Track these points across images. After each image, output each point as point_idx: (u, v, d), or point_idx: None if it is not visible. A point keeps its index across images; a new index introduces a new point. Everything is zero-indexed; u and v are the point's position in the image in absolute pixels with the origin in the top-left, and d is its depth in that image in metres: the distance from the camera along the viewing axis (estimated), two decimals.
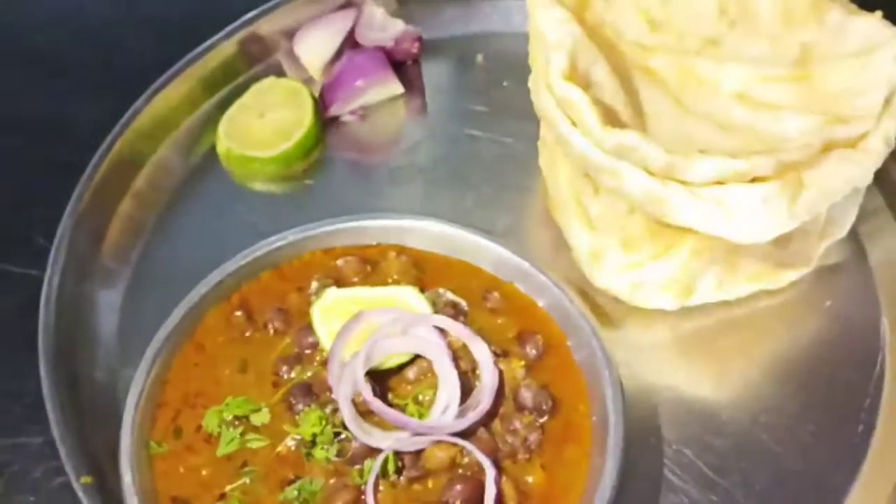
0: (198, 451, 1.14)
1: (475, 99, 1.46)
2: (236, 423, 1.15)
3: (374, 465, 1.09)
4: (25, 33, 1.61)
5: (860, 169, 1.17)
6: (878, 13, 1.23)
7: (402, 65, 1.47)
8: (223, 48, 1.45)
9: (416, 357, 1.17)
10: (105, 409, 1.21)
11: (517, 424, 1.14)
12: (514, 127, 1.37)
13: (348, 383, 1.12)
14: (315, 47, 1.45)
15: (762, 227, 1.13)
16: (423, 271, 1.26)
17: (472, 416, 1.12)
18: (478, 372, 1.16)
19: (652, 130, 1.23)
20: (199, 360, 1.20)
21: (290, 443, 1.14)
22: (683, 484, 1.17)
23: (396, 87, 1.45)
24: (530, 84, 1.27)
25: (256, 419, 1.15)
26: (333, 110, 1.42)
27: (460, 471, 1.11)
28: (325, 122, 1.43)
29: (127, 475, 1.11)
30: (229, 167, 1.41)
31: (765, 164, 1.12)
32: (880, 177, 1.22)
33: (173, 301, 1.23)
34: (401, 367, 1.17)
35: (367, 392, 1.11)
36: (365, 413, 1.12)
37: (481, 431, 1.13)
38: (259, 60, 1.48)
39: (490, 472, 1.08)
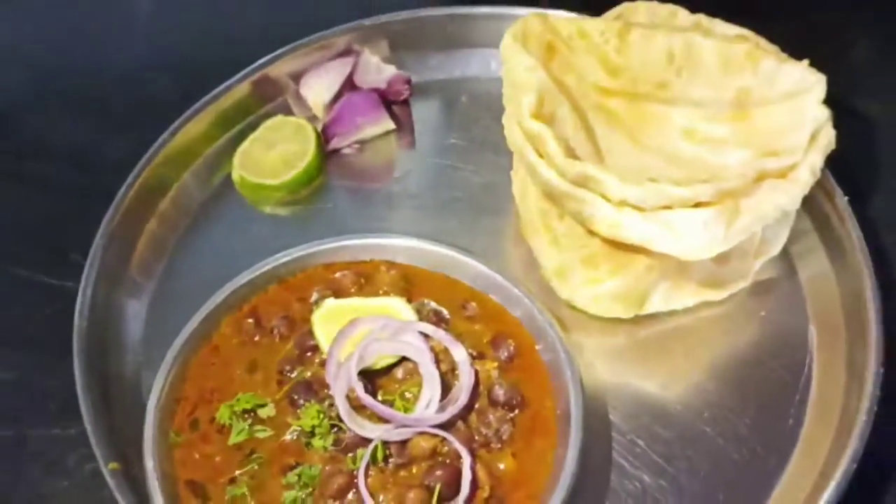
0: (212, 441, 1.14)
1: (457, 135, 1.45)
2: (246, 416, 1.14)
3: (365, 453, 1.09)
4: (66, 76, 1.59)
5: (789, 196, 1.16)
6: (806, 61, 1.21)
7: (393, 104, 1.46)
8: (237, 89, 1.43)
9: (403, 359, 1.16)
10: (130, 403, 1.19)
11: (491, 418, 1.13)
12: (491, 159, 1.36)
13: (343, 381, 1.12)
14: (318, 89, 1.44)
15: (704, 246, 1.13)
16: (411, 284, 1.24)
17: (451, 411, 1.11)
18: (457, 372, 1.15)
19: (609, 162, 1.22)
20: (214, 361, 1.19)
21: (292, 433, 1.13)
22: (636, 470, 1.15)
23: (389, 124, 1.43)
24: (504, 121, 1.26)
25: (263, 413, 1.14)
26: (334, 144, 1.41)
27: (441, 458, 1.10)
28: (327, 154, 1.41)
29: (149, 462, 1.10)
30: (242, 193, 1.39)
31: (706, 192, 1.12)
32: (808, 203, 1.22)
33: (192, 309, 1.22)
34: (390, 368, 1.16)
35: (359, 389, 1.11)
36: (358, 408, 1.11)
37: (459, 424, 1.12)
38: (269, 100, 1.46)
39: (466, 460, 1.07)
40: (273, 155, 1.40)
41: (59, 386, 1.20)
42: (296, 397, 1.14)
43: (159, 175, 1.37)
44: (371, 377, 1.15)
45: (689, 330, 1.26)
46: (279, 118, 1.43)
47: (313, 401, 1.14)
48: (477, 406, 1.14)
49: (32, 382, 1.26)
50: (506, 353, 1.18)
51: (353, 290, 1.24)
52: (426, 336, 1.16)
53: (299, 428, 1.13)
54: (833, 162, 1.21)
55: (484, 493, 1.08)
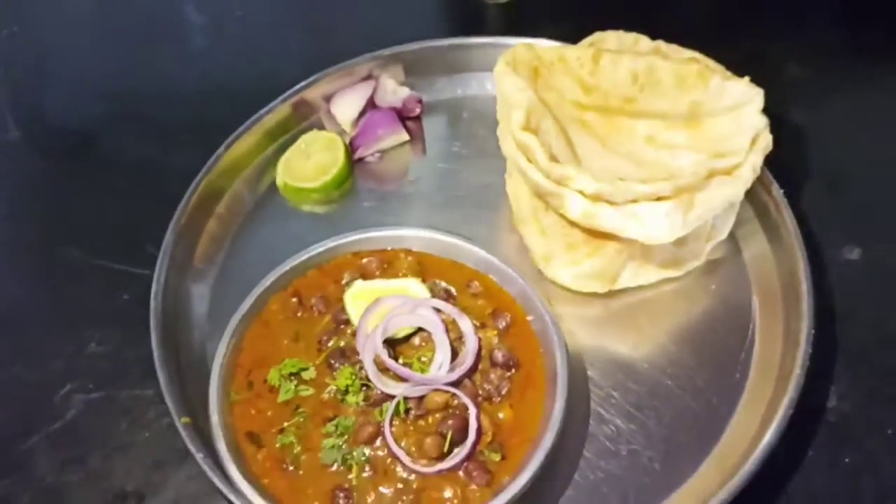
0: (264, 398, 1.14)
1: (460, 144, 1.44)
2: (291, 378, 1.15)
3: (390, 407, 1.09)
4: (136, 99, 1.60)
5: (734, 190, 1.17)
6: (747, 78, 1.22)
7: (407, 120, 1.45)
8: (279, 109, 1.43)
9: (419, 329, 1.16)
10: (197, 369, 1.20)
11: (492, 376, 1.13)
12: (488, 164, 1.35)
13: (371, 349, 1.12)
14: (346, 108, 1.44)
15: (665, 232, 1.14)
16: (424, 267, 1.24)
17: (460, 371, 1.12)
18: (463, 339, 1.15)
19: (585, 165, 1.21)
20: (264, 334, 1.19)
21: (329, 392, 1.13)
22: (611, 417, 1.16)
23: (404, 136, 1.44)
24: (498, 133, 1.27)
25: (305, 375, 1.15)
26: (359, 153, 1.42)
27: (452, 410, 1.10)
28: (354, 162, 1.42)
29: (214, 416, 1.11)
30: (285, 196, 1.39)
31: (666, 188, 1.13)
32: (750, 194, 1.22)
33: (245, 291, 1.22)
34: (408, 337, 1.17)
35: (384, 355, 1.11)
36: (383, 370, 1.12)
37: (466, 382, 1.13)
38: (305, 118, 1.46)
39: (473, 411, 1.08)
40: (310, 163, 1.40)
41: (141, 356, 1.21)
42: (332, 362, 1.15)
43: (216, 183, 1.37)
44: (393, 344, 1.15)
45: (654, 301, 1.26)
46: (314, 132, 1.43)
47: (346, 364, 1.14)
48: (480, 367, 1.14)
49: (120, 353, 1.26)
50: (503, 323, 1.18)
51: (377, 273, 1.23)
52: (438, 310, 1.17)
53: (335, 387, 1.13)
54: (771, 160, 1.20)
55: (487, 438, 1.08)
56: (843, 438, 1.14)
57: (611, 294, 1.26)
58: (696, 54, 1.28)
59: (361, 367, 1.13)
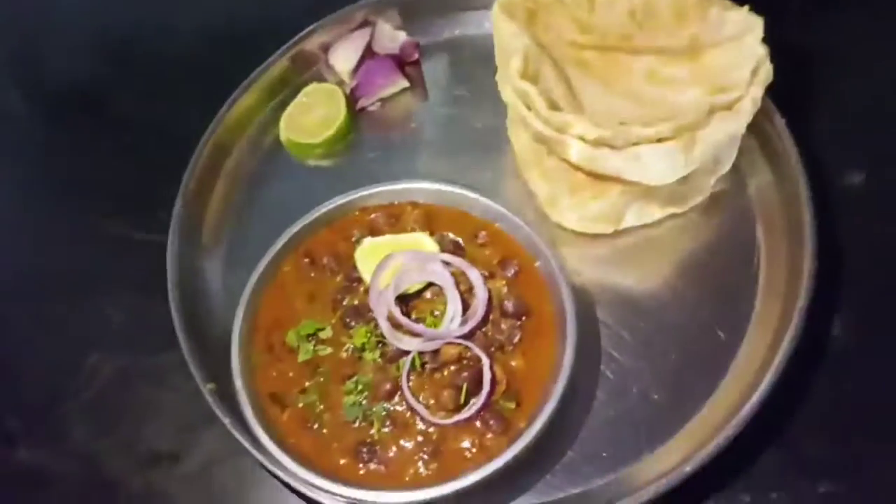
0: (284, 360, 1.16)
1: (460, 87, 1.42)
2: (309, 338, 1.16)
3: (406, 362, 1.11)
4: (134, 55, 1.59)
5: (736, 125, 1.16)
6: (746, 7, 1.19)
7: (406, 66, 1.43)
8: (279, 63, 1.41)
9: (430, 284, 1.17)
10: (218, 333, 1.20)
11: (503, 326, 1.15)
12: (490, 107, 1.32)
13: (384, 306, 1.13)
14: (344, 58, 1.41)
15: (667, 173, 1.14)
16: (432, 219, 1.24)
17: (471, 323, 1.13)
18: (473, 291, 1.15)
19: (585, 106, 1.20)
20: (280, 296, 1.20)
21: (347, 350, 1.15)
22: (621, 357, 1.17)
23: (403, 83, 1.42)
24: (497, 79, 1.24)
25: (323, 335, 1.16)
26: (360, 104, 1.40)
27: (466, 362, 1.12)
28: (356, 113, 1.40)
29: (238, 380, 1.13)
30: (289, 151, 1.38)
31: (667, 129, 1.12)
32: (752, 124, 1.19)
33: (259, 251, 1.22)
34: (420, 291, 1.17)
35: (397, 312, 1.13)
36: (397, 326, 1.13)
37: (478, 333, 1.14)
38: (305, 70, 1.44)
39: (486, 362, 1.10)
40: (312, 118, 1.38)
41: (161, 321, 1.21)
42: (347, 320, 1.16)
43: (221, 143, 1.36)
44: (405, 300, 1.16)
45: (659, 239, 1.26)
46: (314, 85, 1.41)
47: (361, 323, 1.15)
48: (491, 317, 1.15)
49: (141, 320, 1.28)
50: (511, 271, 1.19)
51: (386, 228, 1.23)
52: (447, 263, 1.17)
53: (352, 345, 1.14)
54: (772, 86, 1.18)
55: (502, 387, 1.10)
56: (846, 366, 1.16)
57: (616, 234, 1.26)
58: None
59: (376, 325, 1.14)
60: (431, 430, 1.09)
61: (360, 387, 1.12)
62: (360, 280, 1.19)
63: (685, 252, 1.25)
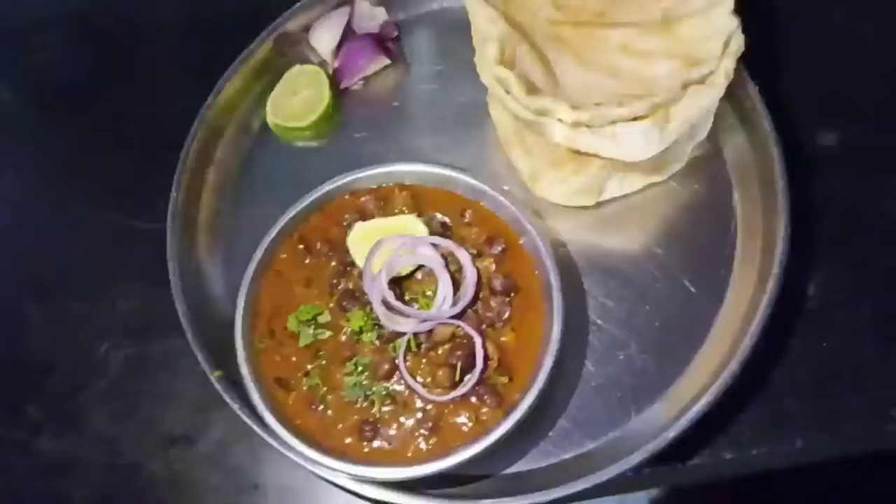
0: (286, 345, 1.19)
1: (440, 62, 1.43)
2: (309, 323, 1.19)
3: (402, 343, 1.15)
4: (118, 43, 1.58)
5: (709, 99, 1.18)
6: None
7: (386, 42, 1.44)
8: (262, 47, 1.41)
9: (421, 266, 1.20)
10: (221, 319, 1.23)
11: (493, 304, 1.18)
12: (471, 81, 1.28)
13: (378, 291, 1.16)
14: (325, 38, 1.41)
15: (643, 150, 1.16)
16: (419, 201, 1.26)
17: (462, 304, 1.16)
18: (463, 272, 1.18)
19: (562, 82, 1.22)
20: (278, 282, 1.23)
21: (345, 333, 1.18)
22: (607, 325, 1.22)
23: (384, 61, 1.42)
24: (476, 61, 1.24)
25: (321, 319, 1.20)
26: (344, 84, 1.41)
27: (459, 340, 1.16)
28: (340, 92, 1.41)
29: (243, 367, 1.17)
30: (277, 134, 1.40)
31: (642, 107, 1.14)
32: (726, 91, 1.19)
33: (254, 237, 1.24)
34: (412, 273, 1.20)
35: (390, 297, 1.16)
36: (391, 309, 1.16)
37: (469, 312, 1.18)
38: (288, 52, 1.43)
39: (478, 340, 1.14)
40: (297, 101, 1.39)
41: (165, 309, 1.24)
42: (344, 304, 1.19)
43: (210, 131, 1.37)
44: (398, 282, 1.19)
45: (640, 207, 1.29)
46: (297, 68, 1.41)
47: (357, 306, 1.18)
48: (481, 296, 1.19)
49: (146, 308, 1.32)
50: (498, 249, 1.22)
51: (375, 211, 1.25)
52: (436, 245, 1.19)
53: (350, 328, 1.17)
54: (747, 51, 1.19)
55: (494, 363, 1.15)
56: (822, 324, 1.21)
57: (598, 205, 1.29)
58: None
59: (372, 308, 1.17)
60: (430, 407, 1.14)
61: (359, 368, 1.16)
62: (353, 264, 1.22)
63: (666, 220, 1.29)
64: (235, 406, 1.15)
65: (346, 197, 1.28)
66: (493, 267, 1.20)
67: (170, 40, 1.57)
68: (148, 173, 1.39)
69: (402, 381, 1.15)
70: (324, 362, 1.18)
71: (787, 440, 1.16)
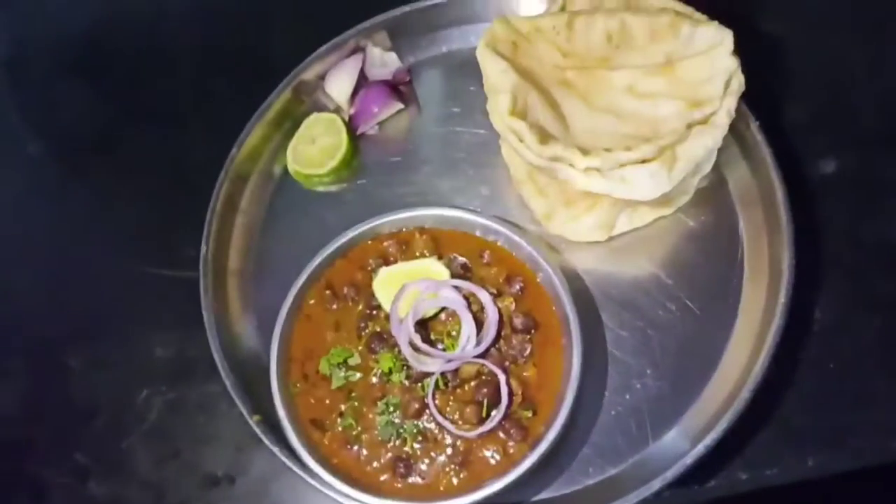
0: (320, 387, 1.25)
1: (451, 103, 1.48)
2: (340, 366, 1.24)
3: (430, 382, 1.21)
4: (141, 94, 1.63)
5: (713, 138, 1.24)
6: (715, 22, 1.25)
7: (399, 85, 1.49)
8: (281, 97, 1.46)
9: (445, 308, 1.26)
10: (256, 363, 1.29)
11: (514, 342, 1.24)
12: (482, 121, 1.36)
13: (405, 334, 1.22)
14: (340, 86, 1.46)
15: (652, 190, 1.21)
16: (439, 243, 1.31)
17: (485, 343, 1.22)
18: (484, 312, 1.24)
19: (571, 126, 1.27)
20: (308, 327, 1.28)
21: (375, 374, 1.24)
22: (624, 356, 1.27)
23: (398, 105, 1.47)
24: (488, 107, 1.29)
25: (352, 361, 1.25)
26: (360, 129, 1.46)
27: (484, 377, 1.22)
28: (356, 137, 1.46)
29: (280, 410, 1.23)
30: (298, 181, 1.45)
31: (649, 150, 1.20)
32: (730, 126, 1.24)
33: (282, 281, 1.30)
34: (436, 314, 1.26)
35: (417, 339, 1.22)
36: (419, 351, 1.22)
37: (493, 350, 1.24)
38: (305, 100, 1.49)
39: (501, 377, 1.20)
40: (315, 148, 1.44)
41: (201, 354, 1.30)
42: (373, 346, 1.25)
43: (235, 182, 1.42)
44: (423, 323, 1.25)
45: (650, 239, 1.34)
46: (315, 116, 1.46)
47: (385, 348, 1.24)
48: (503, 334, 1.24)
49: (183, 354, 1.37)
50: (517, 287, 1.27)
51: (397, 256, 1.31)
52: (458, 288, 1.25)
53: (380, 370, 1.23)
54: (748, 87, 1.23)
55: (518, 398, 1.20)
56: (828, 346, 1.27)
57: (610, 240, 1.34)
58: (666, 0, 1.30)
59: (399, 350, 1.23)
60: (459, 442, 1.20)
61: (390, 407, 1.22)
62: (379, 307, 1.28)
63: (675, 249, 1.33)
64: (276, 449, 1.21)
65: (369, 242, 1.33)
66: (513, 306, 1.26)
67: (189, 90, 1.62)
68: (172, 222, 1.46)
69: (432, 419, 1.21)
70: (356, 403, 1.23)
71: (799, 459, 1.22)
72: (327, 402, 1.24)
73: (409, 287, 1.25)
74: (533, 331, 1.25)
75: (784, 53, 1.47)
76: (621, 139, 1.23)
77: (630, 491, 1.17)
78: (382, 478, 1.20)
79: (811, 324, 1.28)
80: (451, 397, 1.22)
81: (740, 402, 1.17)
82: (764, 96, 1.32)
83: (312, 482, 1.19)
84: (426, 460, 1.20)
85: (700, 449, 1.16)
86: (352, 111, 1.47)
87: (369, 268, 1.31)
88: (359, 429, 1.22)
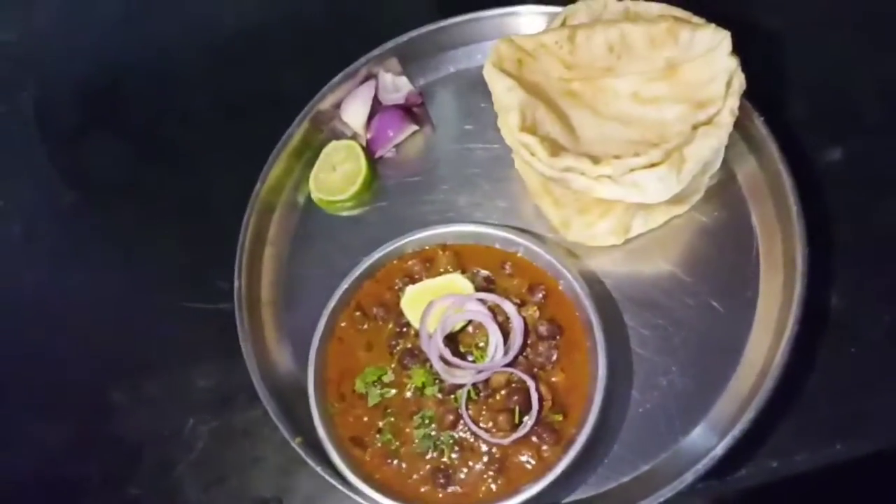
0: (357, 406, 1.30)
1: (463, 121, 1.52)
2: (374, 383, 1.30)
3: (462, 394, 1.25)
4: (165, 140, 1.70)
5: (718, 138, 1.26)
6: (713, 24, 1.28)
7: (412, 108, 1.54)
8: (301, 127, 1.51)
9: (471, 320, 1.30)
10: (295, 387, 1.34)
11: (541, 349, 1.28)
12: (495, 136, 1.38)
13: (435, 349, 1.27)
14: (355, 113, 1.52)
15: (662, 193, 1.24)
16: (461, 258, 1.36)
17: (513, 352, 1.27)
18: (510, 322, 1.29)
19: (580, 135, 1.31)
20: (342, 349, 1.33)
21: (409, 390, 1.29)
22: (648, 354, 1.31)
23: (413, 127, 1.52)
24: (499, 124, 1.33)
25: (386, 379, 1.30)
26: (377, 153, 1.51)
27: (514, 385, 1.26)
28: (375, 161, 1.51)
29: (321, 431, 1.27)
30: (321, 208, 1.50)
31: (657, 155, 1.23)
32: (735, 123, 1.27)
33: (313, 307, 1.35)
34: (463, 328, 1.30)
35: (447, 353, 1.26)
36: (449, 364, 1.27)
37: (520, 359, 1.28)
38: (322, 130, 1.55)
39: (531, 384, 1.24)
40: (337, 175, 1.49)
41: (241, 382, 1.36)
42: (405, 362, 1.29)
43: (262, 211, 1.47)
44: (452, 337, 1.29)
45: (665, 239, 1.38)
46: (333, 144, 1.51)
47: (417, 363, 1.29)
48: (529, 342, 1.29)
49: (223, 384, 1.43)
50: (539, 296, 1.31)
51: (422, 273, 1.35)
52: (482, 300, 1.30)
53: (414, 385, 1.28)
54: (747, 74, 1.26)
55: (548, 403, 1.24)
56: (846, 333, 1.30)
57: (627, 242, 1.37)
58: (664, 7, 1.34)
59: (431, 364, 1.28)
60: (494, 450, 1.24)
61: (426, 420, 1.26)
62: (408, 325, 1.32)
63: (691, 247, 1.37)
64: (319, 468, 1.26)
65: (395, 262, 1.38)
66: (537, 314, 1.30)
67: (209, 134, 1.67)
68: (204, 258, 1.52)
69: (467, 429, 1.25)
70: (393, 418, 1.28)
71: (827, 443, 1.25)
72: (365, 419, 1.29)
73: (435, 304, 1.30)
74: (558, 336, 1.29)
75: (784, 49, 1.50)
76: (630, 145, 1.27)
77: (664, 485, 1.21)
78: (423, 489, 1.25)
79: (828, 312, 1.31)
80: (484, 407, 1.26)
81: (765, 392, 1.21)
82: (767, 92, 1.36)
83: (357, 498, 1.24)
84: (464, 469, 1.25)
85: (729, 440, 1.20)
86: (368, 136, 1.52)
87: (396, 287, 1.36)
88: (397, 443, 1.27)
